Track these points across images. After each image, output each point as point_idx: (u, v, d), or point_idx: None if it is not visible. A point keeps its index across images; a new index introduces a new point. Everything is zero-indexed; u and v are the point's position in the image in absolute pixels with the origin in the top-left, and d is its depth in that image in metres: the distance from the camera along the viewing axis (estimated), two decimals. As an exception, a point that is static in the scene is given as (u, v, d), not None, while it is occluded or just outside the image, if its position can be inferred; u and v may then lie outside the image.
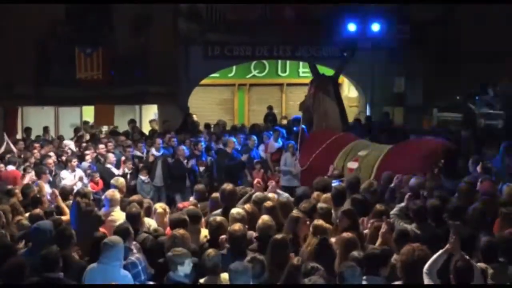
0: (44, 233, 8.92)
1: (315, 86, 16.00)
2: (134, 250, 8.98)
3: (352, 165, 14.34)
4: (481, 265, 7.99)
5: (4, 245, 8.94)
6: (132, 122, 22.93)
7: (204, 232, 9.70)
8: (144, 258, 8.57)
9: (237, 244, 8.69)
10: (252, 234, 9.51)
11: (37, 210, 10.85)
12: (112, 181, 13.30)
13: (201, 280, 7.85)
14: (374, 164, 13.97)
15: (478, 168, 13.78)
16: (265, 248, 8.56)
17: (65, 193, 12.51)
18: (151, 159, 17.55)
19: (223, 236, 9.12)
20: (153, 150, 17.98)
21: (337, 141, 15.45)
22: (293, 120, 23.56)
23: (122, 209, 10.99)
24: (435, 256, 7.49)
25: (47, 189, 13.74)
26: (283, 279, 7.64)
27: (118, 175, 16.04)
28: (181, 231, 8.91)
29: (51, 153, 16.77)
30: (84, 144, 18.60)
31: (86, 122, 23.66)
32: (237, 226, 8.89)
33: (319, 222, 9.16)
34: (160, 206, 10.82)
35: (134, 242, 9.23)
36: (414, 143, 15.16)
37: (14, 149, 17.03)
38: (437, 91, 25.86)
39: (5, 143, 17.39)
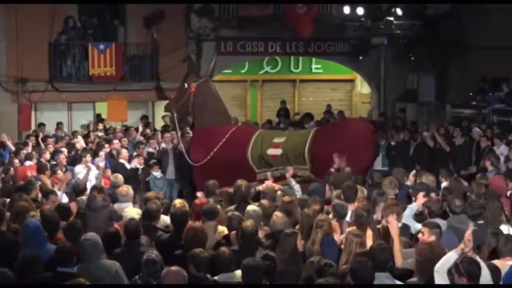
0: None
1: (197, 84, 16.17)
2: (145, 244, 9.01)
3: (274, 151, 14.87)
4: (496, 262, 8.00)
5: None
6: (144, 118, 22.96)
7: (221, 229, 9.72)
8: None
9: (249, 240, 8.70)
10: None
11: (48, 206, 10.84)
12: (112, 178, 13.32)
13: (216, 277, 7.86)
14: (304, 148, 14.58)
15: (488, 164, 14.00)
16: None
17: (79, 190, 12.53)
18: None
19: (234, 232, 9.16)
20: (163, 144, 17.99)
21: (237, 133, 15.83)
22: (304, 115, 23.63)
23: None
24: (447, 255, 7.48)
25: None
26: (303, 277, 7.64)
27: (131, 169, 16.18)
28: (198, 223, 8.95)
29: (63, 149, 16.80)
30: (97, 140, 18.59)
31: (99, 115, 23.75)
32: (249, 222, 8.92)
33: (323, 217, 9.20)
34: (179, 202, 10.82)
35: (144, 237, 9.26)
36: (340, 125, 16.58)
37: (12, 147, 17.12)
38: (450, 87, 25.84)
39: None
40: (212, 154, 15.25)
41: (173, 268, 7.36)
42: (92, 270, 8.00)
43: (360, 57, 25.71)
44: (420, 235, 8.62)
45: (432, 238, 8.45)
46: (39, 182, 13.21)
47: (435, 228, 8.64)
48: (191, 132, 17.65)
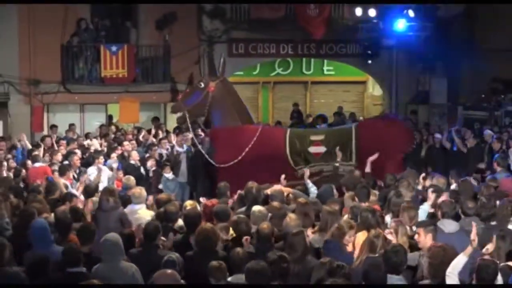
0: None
1: (215, 84, 15.73)
2: (161, 247, 9.03)
3: (317, 149, 15.10)
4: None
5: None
6: (155, 120, 22.99)
7: (232, 230, 9.72)
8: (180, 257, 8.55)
9: (265, 242, 8.72)
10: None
11: (63, 207, 10.88)
12: (124, 180, 13.32)
13: (229, 279, 7.87)
14: (350, 146, 14.91)
15: (495, 165, 14.06)
16: None
17: (90, 190, 12.56)
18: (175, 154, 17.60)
19: (247, 237, 9.13)
20: (177, 147, 17.99)
21: (267, 131, 15.88)
22: (317, 117, 23.63)
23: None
24: (456, 258, 7.51)
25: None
26: (315, 278, 7.65)
27: (142, 172, 16.21)
28: (209, 224, 9.02)
29: (77, 150, 16.85)
30: (105, 143, 18.66)
31: (110, 117, 23.88)
32: (265, 224, 8.92)
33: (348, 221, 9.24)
34: (190, 204, 10.87)
35: (164, 239, 9.29)
36: (383, 123, 16.34)
37: (29, 145, 17.27)
38: (462, 89, 25.76)
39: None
40: (244, 153, 15.01)
41: (164, 270, 7.44)
42: (109, 271, 8.04)
43: (369, 61, 25.73)
44: (416, 237, 8.64)
45: (429, 236, 8.53)
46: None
47: (428, 226, 8.73)
48: (202, 134, 17.65)
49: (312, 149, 15.11)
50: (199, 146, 16.34)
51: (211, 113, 15.94)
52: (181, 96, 16.73)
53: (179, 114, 16.36)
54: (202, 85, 15.85)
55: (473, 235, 7.72)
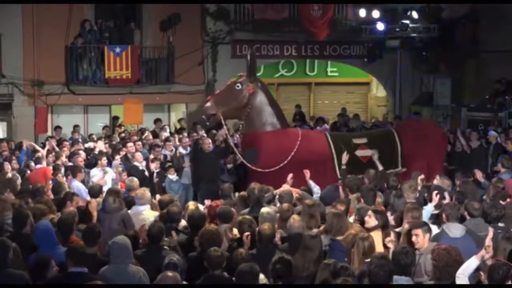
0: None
1: (255, 85, 15.13)
2: (167, 248, 9.05)
3: (364, 153, 15.02)
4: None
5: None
6: (158, 121, 22.97)
7: (235, 231, 9.72)
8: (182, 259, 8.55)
9: (267, 243, 8.73)
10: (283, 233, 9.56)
11: (69, 208, 10.88)
12: (127, 181, 13.32)
13: (234, 279, 7.87)
14: (394, 150, 15.31)
15: (499, 166, 14.06)
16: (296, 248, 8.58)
17: (94, 191, 12.57)
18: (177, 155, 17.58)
19: (247, 233, 9.16)
20: (180, 148, 17.98)
21: (309, 135, 15.80)
22: (317, 119, 23.65)
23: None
24: (468, 261, 7.52)
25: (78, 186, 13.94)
26: (319, 279, 7.65)
27: (144, 171, 16.22)
28: (213, 226, 9.03)
29: (81, 152, 16.87)
30: (114, 143, 18.67)
31: (115, 118, 23.87)
32: (266, 225, 8.93)
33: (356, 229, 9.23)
34: (192, 204, 10.88)
35: (167, 239, 9.29)
36: (420, 126, 16.92)
37: (37, 147, 17.30)
38: (466, 90, 25.75)
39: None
40: (290, 157, 14.65)
41: (165, 273, 7.45)
42: (116, 274, 8.04)
43: (366, 59, 25.73)
44: (414, 238, 8.63)
45: (427, 236, 8.61)
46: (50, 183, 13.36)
47: (424, 226, 8.80)
48: (205, 135, 17.55)
49: (359, 153, 15.00)
50: (236, 150, 15.73)
51: (249, 116, 15.27)
52: (212, 97, 15.76)
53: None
54: (240, 86, 15.08)
55: (488, 241, 7.70)
